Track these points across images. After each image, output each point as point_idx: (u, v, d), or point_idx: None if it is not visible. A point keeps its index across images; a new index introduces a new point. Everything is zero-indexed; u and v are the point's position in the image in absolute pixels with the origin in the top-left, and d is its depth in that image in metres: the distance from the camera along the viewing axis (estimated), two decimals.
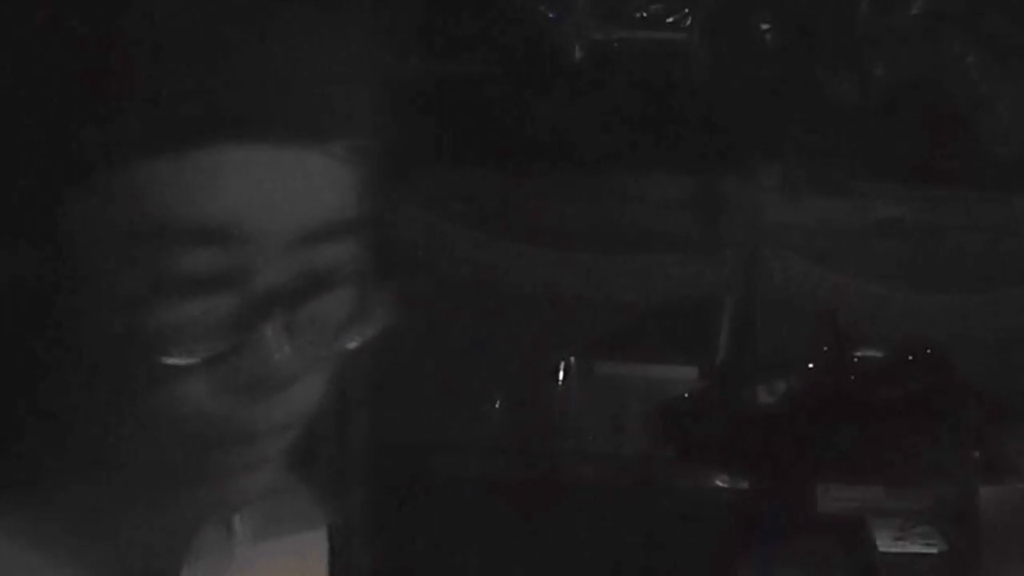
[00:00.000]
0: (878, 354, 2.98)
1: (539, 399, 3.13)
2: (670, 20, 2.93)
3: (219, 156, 0.75)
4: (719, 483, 2.97)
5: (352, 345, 0.82)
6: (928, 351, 2.95)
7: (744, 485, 2.94)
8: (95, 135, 0.75)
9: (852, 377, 2.94)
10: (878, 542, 2.81)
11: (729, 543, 2.87)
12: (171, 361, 0.76)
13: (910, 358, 2.94)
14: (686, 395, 3.03)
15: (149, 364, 0.76)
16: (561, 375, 3.13)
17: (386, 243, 0.87)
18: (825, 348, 2.97)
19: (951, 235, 2.97)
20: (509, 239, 2.95)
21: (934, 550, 2.79)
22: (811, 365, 2.96)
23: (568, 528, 2.92)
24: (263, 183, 0.76)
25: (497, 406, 3.11)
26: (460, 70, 2.92)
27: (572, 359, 3.14)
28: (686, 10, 2.93)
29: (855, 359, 2.96)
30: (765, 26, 2.91)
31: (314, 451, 0.90)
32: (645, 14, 2.94)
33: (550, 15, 2.91)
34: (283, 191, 0.77)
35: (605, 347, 3.16)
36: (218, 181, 0.75)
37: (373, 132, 0.83)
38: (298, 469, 0.93)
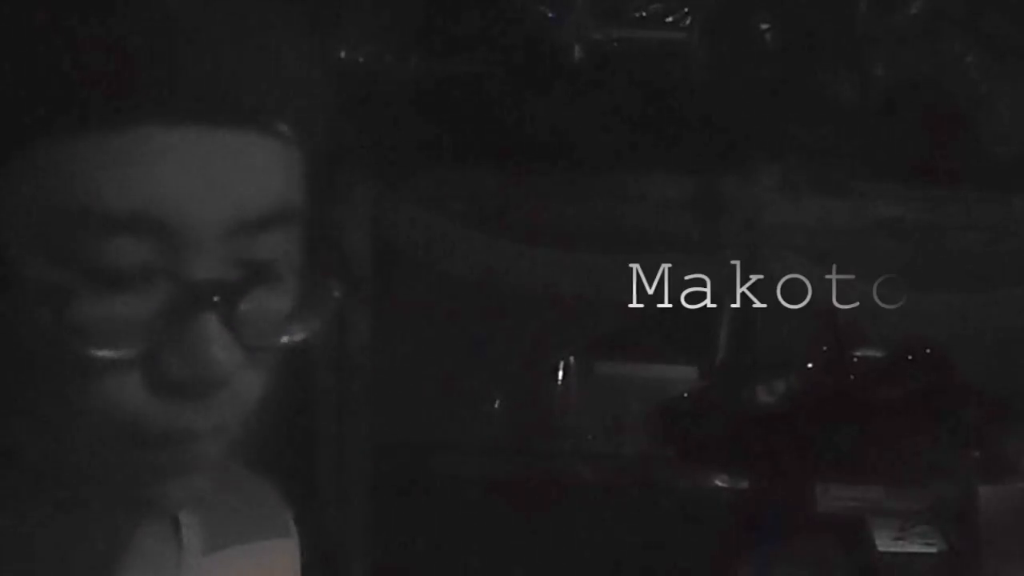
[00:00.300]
0: (878, 354, 2.98)
1: (539, 399, 3.13)
2: (669, 20, 2.93)
3: (148, 137, 0.70)
4: (719, 483, 2.97)
5: (296, 340, 0.78)
6: (928, 351, 2.94)
7: (744, 485, 2.94)
8: (13, 113, 0.71)
9: (852, 377, 2.94)
10: (878, 542, 2.81)
11: (729, 543, 2.87)
12: (100, 355, 0.72)
13: (910, 358, 2.94)
14: (686, 395, 3.03)
15: (77, 358, 0.72)
16: (560, 375, 3.13)
17: (334, 231, 0.83)
18: (825, 348, 2.97)
19: (951, 235, 2.96)
20: (509, 239, 2.95)
21: (933, 550, 2.79)
22: (811, 365, 2.96)
23: (568, 528, 2.91)
24: (198, 167, 0.71)
25: (497, 406, 3.11)
26: (459, 70, 2.91)
27: (572, 359, 3.14)
28: (686, 10, 2.92)
29: (855, 359, 2.96)
30: (765, 26, 2.91)
31: (277, 453, 0.86)
32: (644, 13, 2.94)
33: (549, 15, 2.91)
34: (220, 175, 0.72)
35: (605, 347, 3.16)
36: (148, 164, 0.70)
37: (319, 112, 0.78)
38: (260, 472, 0.89)
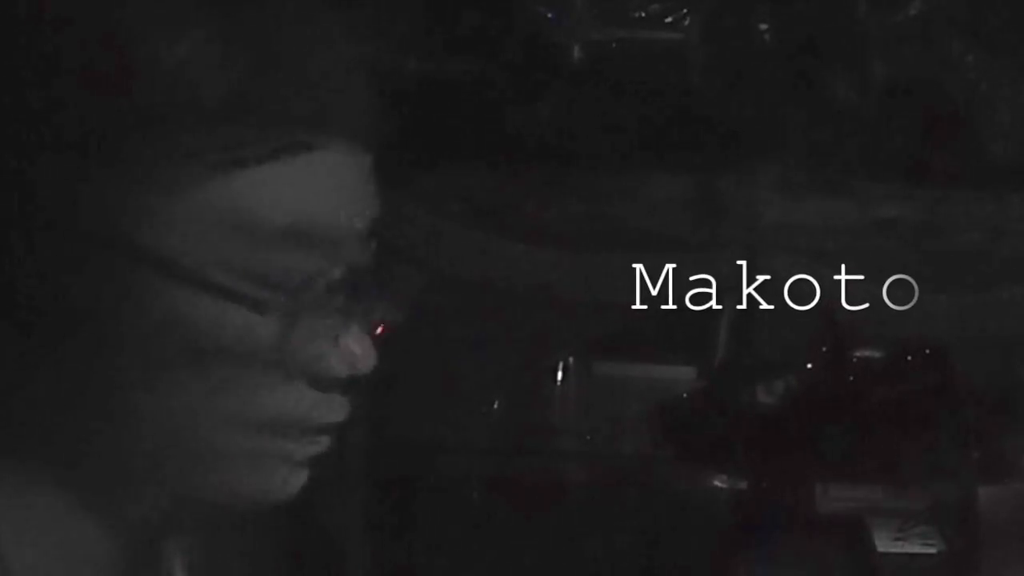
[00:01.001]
0: (877, 354, 2.97)
1: (538, 399, 3.13)
2: (669, 20, 2.93)
3: (298, 163, 0.81)
4: (718, 483, 2.97)
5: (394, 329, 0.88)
6: (928, 351, 2.94)
7: (744, 485, 2.94)
8: (186, 155, 0.79)
9: (851, 377, 2.94)
10: (877, 542, 2.81)
11: (728, 543, 2.87)
12: (266, 353, 0.80)
13: (910, 358, 2.94)
14: (685, 395, 3.03)
15: (242, 356, 0.80)
16: (560, 375, 3.13)
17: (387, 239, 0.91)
18: (824, 348, 2.96)
19: (951, 235, 2.97)
20: (509, 239, 2.95)
21: (933, 550, 2.79)
22: (810, 365, 2.96)
23: (567, 528, 2.91)
24: (334, 184, 0.83)
25: (496, 406, 3.11)
26: (459, 70, 2.91)
27: (572, 359, 3.14)
28: (685, 10, 2.93)
29: (855, 359, 2.96)
30: (765, 26, 2.91)
31: None
32: (644, 14, 2.94)
33: (549, 15, 2.91)
34: (349, 189, 0.85)
35: (604, 347, 3.16)
36: (300, 185, 0.82)
37: (385, 128, 0.91)
38: None
